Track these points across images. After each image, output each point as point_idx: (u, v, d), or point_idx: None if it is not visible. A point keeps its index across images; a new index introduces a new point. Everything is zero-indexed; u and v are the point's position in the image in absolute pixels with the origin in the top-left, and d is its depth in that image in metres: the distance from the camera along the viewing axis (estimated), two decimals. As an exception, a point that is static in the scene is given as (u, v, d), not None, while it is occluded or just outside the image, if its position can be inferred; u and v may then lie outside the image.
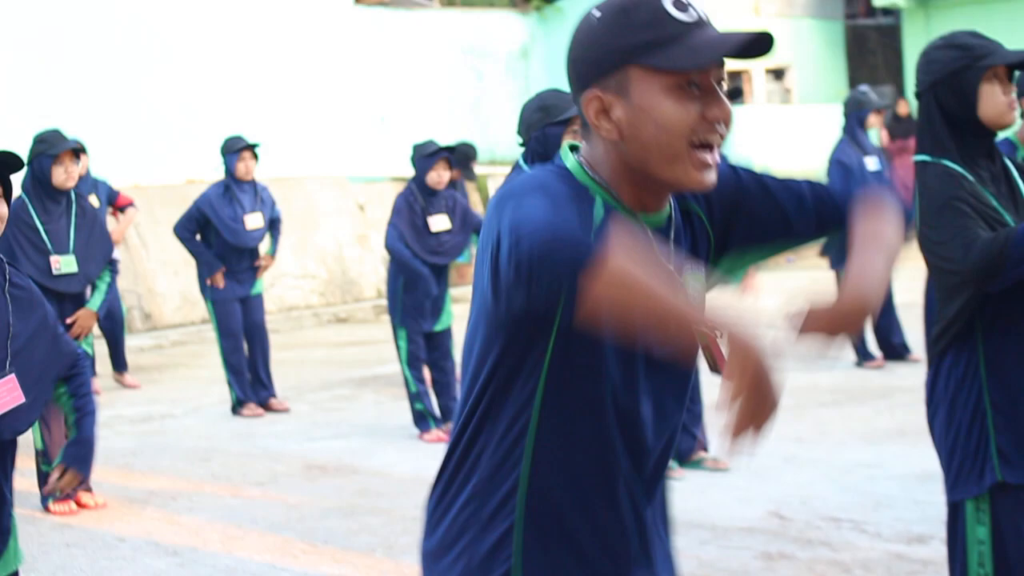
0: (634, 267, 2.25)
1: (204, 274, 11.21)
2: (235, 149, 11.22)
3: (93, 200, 11.87)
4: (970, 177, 4.28)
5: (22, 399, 4.44)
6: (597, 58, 2.54)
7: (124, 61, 17.92)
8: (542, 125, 5.95)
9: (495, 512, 2.63)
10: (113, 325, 12.82)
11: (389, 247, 10.20)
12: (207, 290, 11.22)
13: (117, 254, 8.87)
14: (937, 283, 4.36)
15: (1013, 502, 4.29)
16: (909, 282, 12.66)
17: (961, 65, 4.31)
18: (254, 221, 11.17)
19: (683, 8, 2.51)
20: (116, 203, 12.35)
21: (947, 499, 4.43)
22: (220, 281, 11.10)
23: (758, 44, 2.49)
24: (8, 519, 4.45)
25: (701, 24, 2.52)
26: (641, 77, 2.50)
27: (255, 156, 11.26)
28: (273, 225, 11.40)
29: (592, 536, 2.66)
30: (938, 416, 4.43)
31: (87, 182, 12.00)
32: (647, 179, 2.56)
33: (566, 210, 2.35)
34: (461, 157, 12.79)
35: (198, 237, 11.21)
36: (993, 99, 4.30)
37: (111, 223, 12.25)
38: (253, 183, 11.30)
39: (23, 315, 4.48)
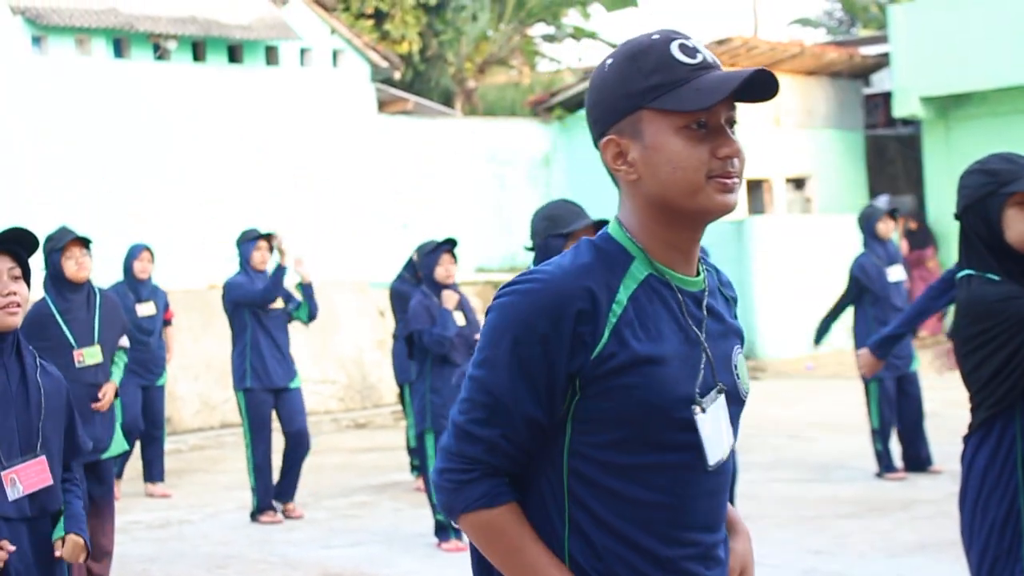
0: (507, 531, 2.62)
1: (240, 367, 11.14)
2: (251, 239, 11.29)
3: (150, 307, 12.00)
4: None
5: (50, 481, 4.51)
6: (610, 104, 2.65)
7: (151, 170, 18.09)
8: (546, 235, 6.02)
9: None
10: (155, 431, 12.78)
11: (427, 343, 10.04)
12: (241, 381, 11.14)
13: (125, 341, 8.87)
14: (974, 366, 4.40)
15: None
16: (931, 391, 12.65)
17: (987, 192, 4.36)
18: (276, 303, 11.18)
19: (690, 53, 2.61)
20: (164, 316, 12.48)
21: None
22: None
23: (761, 83, 2.58)
24: None
25: (707, 67, 2.61)
26: (652, 119, 2.60)
27: (271, 247, 11.30)
28: (302, 292, 11.36)
29: None
30: (971, 514, 4.42)
31: (147, 287, 12.15)
32: (674, 217, 2.63)
33: (520, 368, 2.58)
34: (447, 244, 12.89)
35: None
36: (1018, 225, 4.33)
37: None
38: (266, 273, 11.33)
39: (52, 402, 4.57)
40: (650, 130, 2.60)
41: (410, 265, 11.21)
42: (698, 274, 2.74)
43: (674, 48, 2.60)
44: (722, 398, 2.70)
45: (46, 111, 17.36)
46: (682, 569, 2.64)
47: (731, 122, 2.63)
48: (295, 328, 11.78)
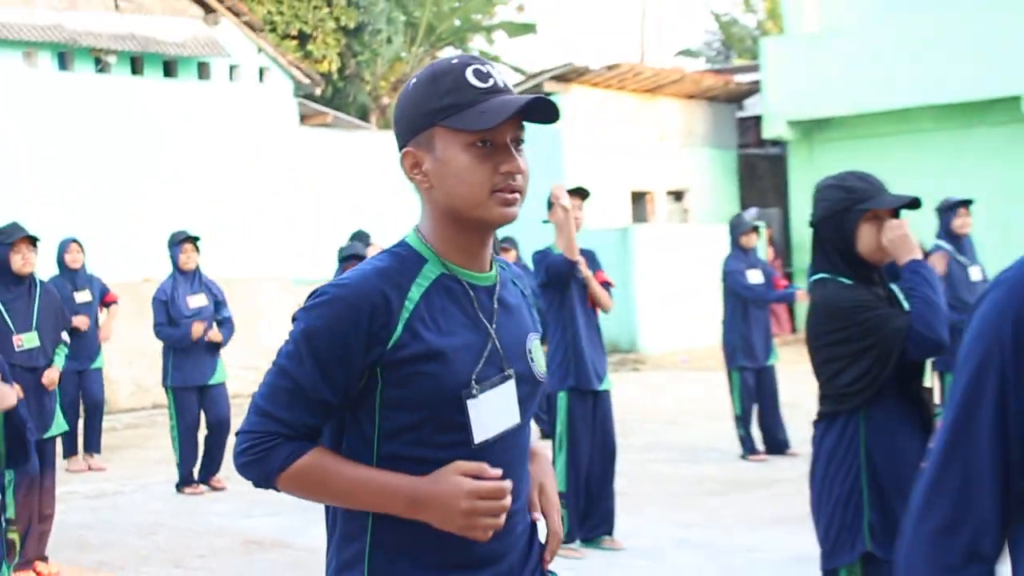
0: (315, 467, 2.63)
1: (168, 364, 11.16)
2: (177, 241, 11.26)
3: (86, 294, 11.91)
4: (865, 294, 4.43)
5: None
6: (410, 119, 2.67)
7: (89, 173, 17.93)
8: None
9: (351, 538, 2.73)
10: (96, 409, 12.72)
11: None
12: (168, 378, 11.16)
13: (65, 336, 8.85)
14: (824, 360, 4.51)
15: (880, 572, 4.37)
16: (790, 383, 12.83)
17: (843, 207, 4.44)
18: (196, 301, 11.15)
19: (482, 77, 2.62)
20: (104, 299, 12.40)
21: (822, 568, 4.50)
22: (199, 329, 11.00)
23: (541, 109, 2.60)
24: None
25: (496, 91, 2.63)
26: (443, 136, 2.62)
27: (196, 248, 11.26)
28: (225, 319, 11.34)
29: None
30: (820, 489, 4.51)
31: (82, 276, 12.06)
32: (461, 223, 2.68)
33: (320, 362, 2.61)
34: (361, 240, 12.85)
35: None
36: (869, 239, 4.43)
37: (101, 316, 12.33)
38: (197, 273, 11.29)
39: None
40: (441, 145, 2.63)
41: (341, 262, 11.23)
42: (490, 270, 2.78)
43: (468, 72, 2.63)
44: (509, 383, 2.72)
45: (-5, 117, 17.17)
46: (468, 543, 2.66)
47: (517, 141, 2.65)
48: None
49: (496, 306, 2.75)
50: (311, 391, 2.62)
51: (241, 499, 10.82)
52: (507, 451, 2.72)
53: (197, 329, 10.98)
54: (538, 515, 2.83)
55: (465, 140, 2.61)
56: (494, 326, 2.73)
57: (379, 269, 2.67)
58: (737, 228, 12.18)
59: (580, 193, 8.51)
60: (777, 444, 11.95)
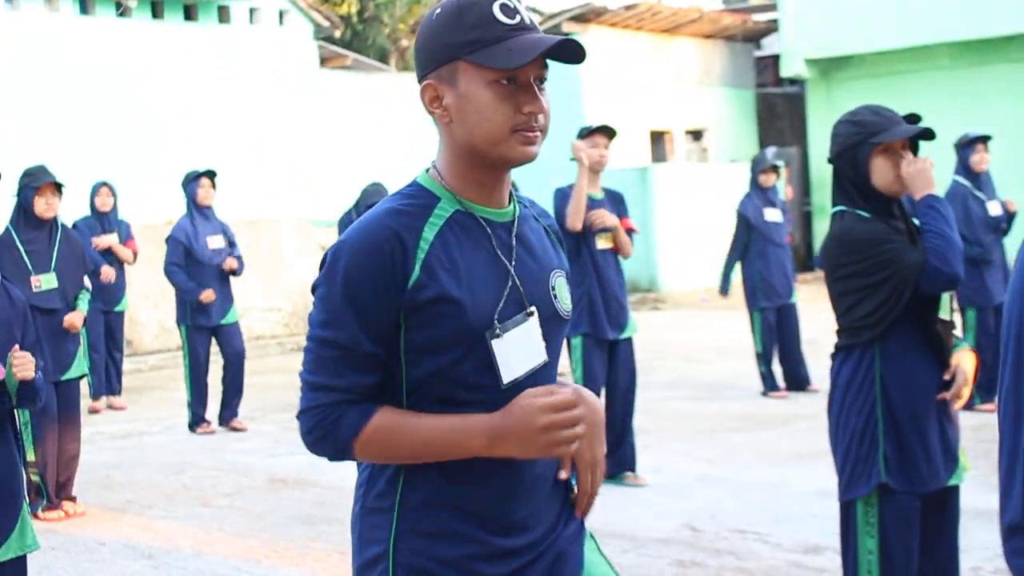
0: (390, 426, 2.57)
1: (184, 307, 11.16)
2: (193, 177, 11.23)
3: (114, 236, 11.88)
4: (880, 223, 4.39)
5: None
6: (432, 51, 2.60)
7: (114, 116, 17.90)
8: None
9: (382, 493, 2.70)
10: (116, 352, 12.73)
11: None
12: (184, 317, 11.16)
13: (87, 282, 8.82)
14: (840, 292, 4.47)
15: (897, 510, 4.35)
16: (811, 320, 12.79)
17: (856, 141, 4.39)
18: (215, 242, 11.14)
19: (510, 13, 2.57)
20: (126, 243, 12.35)
21: (840, 499, 4.48)
22: (210, 295, 11.00)
23: (568, 49, 2.54)
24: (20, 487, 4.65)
25: (523, 28, 2.57)
26: (467, 71, 2.56)
27: (213, 184, 11.23)
28: (232, 246, 11.31)
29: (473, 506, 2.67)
30: (837, 424, 4.49)
31: (112, 219, 12.05)
32: (479, 160, 2.62)
33: (355, 315, 2.56)
34: (378, 193, 12.80)
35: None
36: (883, 171, 4.38)
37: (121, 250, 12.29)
38: (212, 211, 11.26)
39: (3, 314, 4.63)
40: (464, 80, 2.57)
41: (357, 203, 11.19)
42: (508, 205, 2.73)
43: (496, 7, 2.56)
44: (533, 320, 2.66)
45: (17, 63, 17.12)
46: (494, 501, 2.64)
47: (540, 80, 2.60)
48: (246, 261, 11.77)
49: (515, 242, 2.69)
50: (355, 348, 2.57)
51: (265, 438, 10.84)
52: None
53: (208, 295, 10.98)
54: (564, 473, 2.76)
55: (489, 77, 2.55)
56: (513, 263, 2.67)
57: (389, 210, 2.61)
58: (757, 166, 12.11)
59: (607, 132, 8.40)
60: (798, 380, 11.91)
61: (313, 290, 2.65)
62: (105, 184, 12.31)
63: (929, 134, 4.37)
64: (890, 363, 4.37)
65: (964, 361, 4.41)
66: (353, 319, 2.56)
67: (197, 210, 11.17)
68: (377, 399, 2.62)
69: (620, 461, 8.51)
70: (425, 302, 2.55)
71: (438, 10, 2.62)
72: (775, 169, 12.13)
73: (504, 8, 2.57)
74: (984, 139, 10.49)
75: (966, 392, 4.37)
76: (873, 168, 4.39)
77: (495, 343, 2.60)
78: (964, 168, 10.50)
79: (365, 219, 2.61)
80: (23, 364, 4.69)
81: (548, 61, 2.60)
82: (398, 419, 2.58)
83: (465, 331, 2.58)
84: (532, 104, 2.57)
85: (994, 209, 10.48)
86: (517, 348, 2.63)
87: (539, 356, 2.69)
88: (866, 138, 4.39)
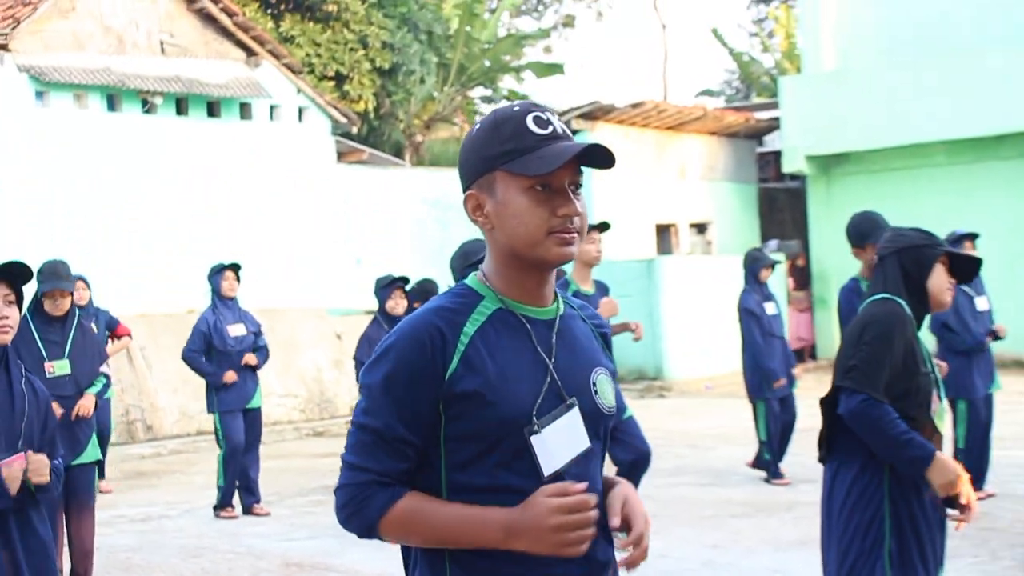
0: (415, 511, 2.61)
1: (213, 394, 11.15)
2: (218, 270, 11.26)
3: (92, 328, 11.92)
4: (915, 321, 4.48)
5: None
6: (473, 163, 2.70)
7: (142, 211, 18.01)
8: (463, 267, 6.38)
9: None
10: (102, 440, 12.74)
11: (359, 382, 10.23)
12: (214, 404, 11.14)
13: (107, 369, 8.79)
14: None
15: None
16: (809, 409, 12.74)
17: (926, 243, 4.55)
18: (236, 330, 11.16)
19: (542, 124, 2.65)
20: (115, 331, 12.45)
21: None
22: (232, 376, 11.00)
23: (599, 155, 2.62)
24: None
25: (556, 137, 2.65)
26: (504, 179, 2.64)
27: (237, 276, 11.27)
28: (262, 347, 11.35)
29: None
30: (840, 516, 4.47)
31: (88, 311, 12.08)
32: (520, 262, 2.68)
33: (394, 404, 2.62)
34: (423, 292, 12.76)
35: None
36: (941, 278, 4.53)
37: (111, 350, 12.34)
38: (236, 302, 11.30)
39: (32, 409, 4.60)
40: (501, 188, 2.65)
41: (412, 290, 11.25)
42: (552, 304, 2.77)
43: (529, 119, 2.65)
44: (573, 412, 2.69)
45: (48, 158, 17.25)
46: (544, 561, 2.62)
47: (575, 185, 2.67)
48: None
49: (555, 339, 2.73)
50: (392, 435, 2.63)
51: (282, 523, 10.80)
52: (579, 480, 2.66)
53: (230, 376, 11.00)
54: (616, 520, 2.73)
55: (524, 184, 2.63)
56: (553, 359, 2.70)
57: (434, 308, 2.69)
58: (758, 263, 12.10)
59: (601, 227, 8.44)
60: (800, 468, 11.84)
61: (358, 380, 2.77)
62: (80, 278, 12.27)
63: (978, 265, 4.73)
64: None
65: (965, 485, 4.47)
66: (391, 408, 2.63)
67: (220, 301, 11.22)
68: (409, 484, 2.67)
69: None
70: (462, 394, 2.60)
71: (477, 126, 2.72)
72: (772, 266, 12.19)
73: (537, 120, 2.65)
74: (972, 236, 10.53)
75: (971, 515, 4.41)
76: (934, 273, 4.53)
77: (534, 439, 2.63)
78: None
79: (413, 315, 2.69)
80: (38, 470, 4.68)
81: (583, 168, 2.67)
82: (423, 504, 2.63)
83: (499, 423, 2.62)
84: (566, 207, 2.64)
85: (982, 304, 10.52)
86: (558, 440, 2.67)
87: (582, 443, 2.71)
88: (936, 245, 4.62)
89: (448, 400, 2.61)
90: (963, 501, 4.33)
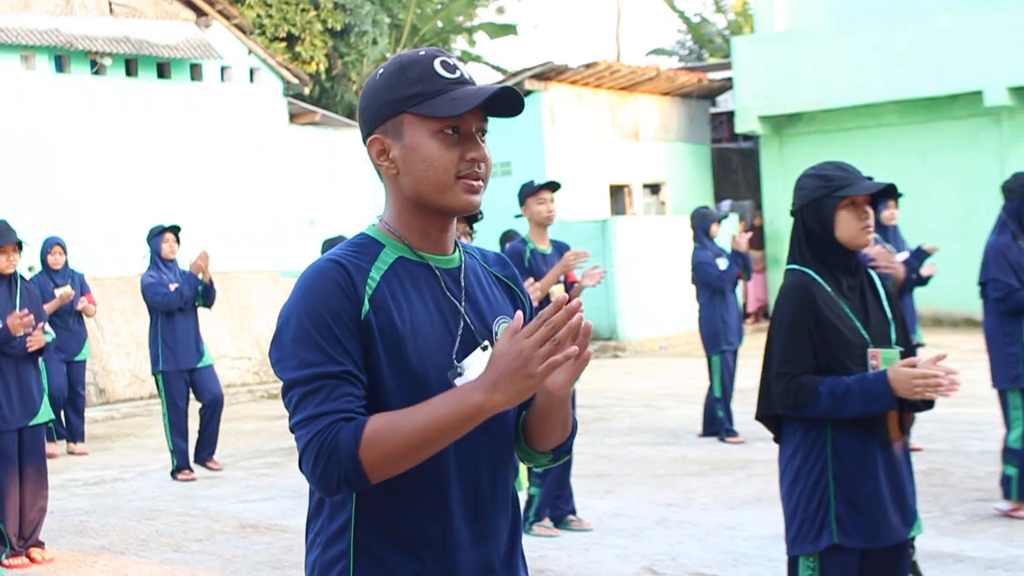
0: (386, 427, 2.49)
1: (157, 353, 11.08)
2: (158, 232, 11.15)
3: (68, 289, 11.86)
4: (827, 287, 4.38)
5: None
6: (378, 107, 2.66)
7: (92, 173, 17.85)
8: None
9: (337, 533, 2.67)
10: (78, 399, 12.83)
11: None
12: (158, 365, 11.09)
13: (50, 329, 8.74)
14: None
15: (838, 562, 4.35)
16: (755, 369, 12.81)
17: (822, 194, 4.41)
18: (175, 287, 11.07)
19: (450, 69, 2.63)
20: (84, 295, 12.42)
21: (787, 552, 4.48)
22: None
23: (507, 100, 2.59)
24: None
25: (463, 81, 2.63)
26: (412, 123, 2.61)
27: (177, 239, 11.18)
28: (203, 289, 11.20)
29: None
30: (785, 478, 4.48)
31: (65, 274, 12.08)
32: (425, 210, 2.66)
33: (321, 339, 2.54)
34: None
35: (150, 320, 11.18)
36: (847, 224, 4.39)
37: (82, 304, 12.34)
38: (176, 263, 11.20)
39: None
40: (409, 132, 2.62)
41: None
42: (453, 253, 2.75)
43: (436, 63, 2.63)
44: (487, 353, 2.62)
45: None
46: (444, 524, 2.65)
47: (481, 131, 2.65)
48: (217, 311, 11.72)
49: (463, 287, 2.72)
50: (335, 370, 2.53)
51: (236, 484, 10.78)
52: (492, 423, 2.64)
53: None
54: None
55: (433, 127, 2.60)
56: (463, 305, 2.70)
57: (336, 254, 2.65)
58: (706, 219, 12.16)
59: (551, 186, 8.40)
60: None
61: (273, 354, 2.62)
62: (58, 243, 12.35)
63: (893, 191, 4.40)
64: (838, 423, 4.37)
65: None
66: (325, 343, 2.54)
67: (162, 262, 11.12)
68: (365, 412, 2.57)
69: (564, 503, 8.51)
70: (380, 337, 2.57)
71: (381, 70, 2.68)
72: (719, 221, 12.30)
73: (444, 64, 2.64)
74: (895, 196, 10.57)
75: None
76: (838, 221, 4.41)
77: (458, 382, 2.60)
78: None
79: (313, 264, 2.65)
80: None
81: (497, 117, 2.66)
82: (392, 416, 2.51)
83: (421, 369, 2.59)
84: (475, 151, 2.62)
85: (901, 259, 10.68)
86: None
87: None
88: (832, 192, 4.40)
89: (366, 343, 2.57)
90: (932, 388, 4.22)
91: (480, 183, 2.64)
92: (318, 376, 2.54)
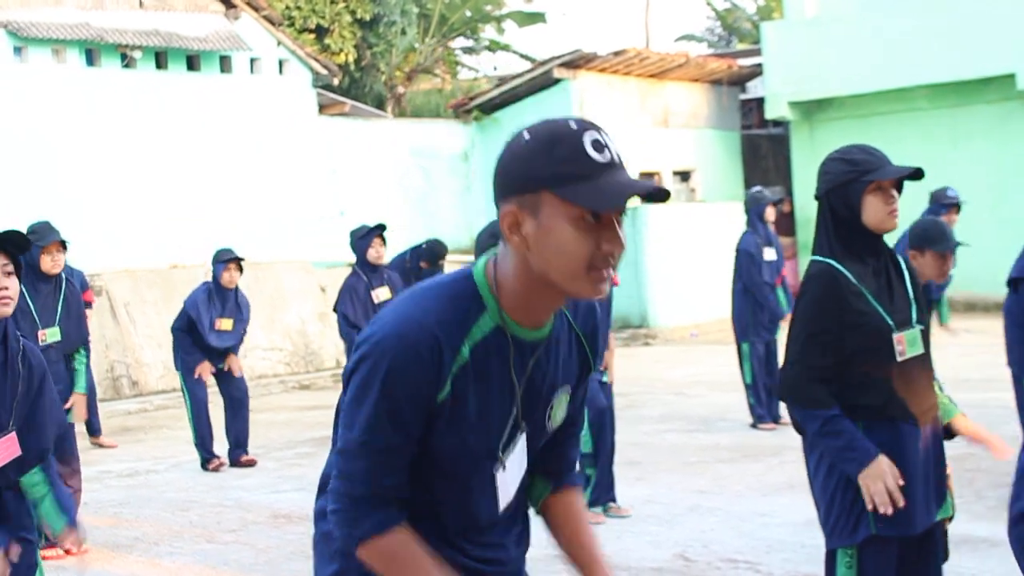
0: (400, 552, 2.56)
1: (180, 360, 11.14)
2: (223, 260, 11.12)
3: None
4: (849, 275, 4.34)
5: (18, 452, 4.41)
6: (518, 177, 2.47)
7: (123, 166, 17.92)
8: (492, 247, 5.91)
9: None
10: (90, 396, 12.83)
11: (343, 336, 10.33)
12: (180, 363, 11.16)
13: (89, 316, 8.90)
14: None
15: (876, 551, 4.33)
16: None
17: (849, 179, 4.36)
18: (224, 324, 11.09)
19: (600, 149, 2.44)
20: (84, 294, 12.40)
21: (826, 546, 4.47)
22: (206, 373, 11.02)
23: (656, 196, 2.46)
24: (35, 555, 4.49)
25: (613, 167, 2.45)
26: (552, 203, 2.43)
27: (240, 268, 11.15)
28: (243, 330, 11.32)
29: None
30: (819, 473, 4.45)
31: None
32: (547, 290, 2.54)
33: (392, 418, 2.52)
34: (431, 253, 12.63)
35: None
36: (875, 208, 4.34)
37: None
38: (235, 291, 11.20)
39: (30, 382, 4.46)
40: (547, 211, 2.44)
41: (416, 251, 11.13)
42: (545, 326, 2.65)
43: (587, 142, 2.43)
44: (523, 437, 2.69)
45: (26, 114, 17.15)
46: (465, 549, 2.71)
47: (620, 217, 2.50)
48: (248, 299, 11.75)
49: (532, 363, 2.65)
50: (393, 445, 2.56)
51: (269, 475, 10.81)
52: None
53: (203, 369, 11.05)
54: None
55: (574, 212, 2.43)
56: (522, 385, 2.65)
57: (435, 315, 2.53)
58: (760, 203, 12.04)
59: None
60: (774, 415, 11.87)
61: (345, 379, 2.59)
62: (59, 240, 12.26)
63: (919, 174, 4.36)
64: (868, 412, 4.35)
65: (968, 426, 4.43)
66: (392, 426, 2.53)
67: (217, 288, 11.14)
68: (402, 499, 2.62)
69: (605, 491, 8.52)
70: (444, 416, 2.56)
71: (527, 137, 2.50)
72: (776, 204, 12.12)
73: (596, 144, 2.44)
74: (956, 207, 10.44)
75: (1002, 445, 4.37)
76: (865, 206, 4.36)
77: (499, 475, 2.67)
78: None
79: (412, 316, 2.53)
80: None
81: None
82: (408, 550, 2.59)
83: (471, 458, 2.64)
84: (613, 243, 2.47)
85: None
86: (512, 469, 2.71)
87: (524, 466, 2.76)
88: (859, 176, 4.35)
89: (432, 417, 2.56)
90: (877, 501, 4.28)
91: (611, 273, 2.50)
92: (379, 450, 2.55)
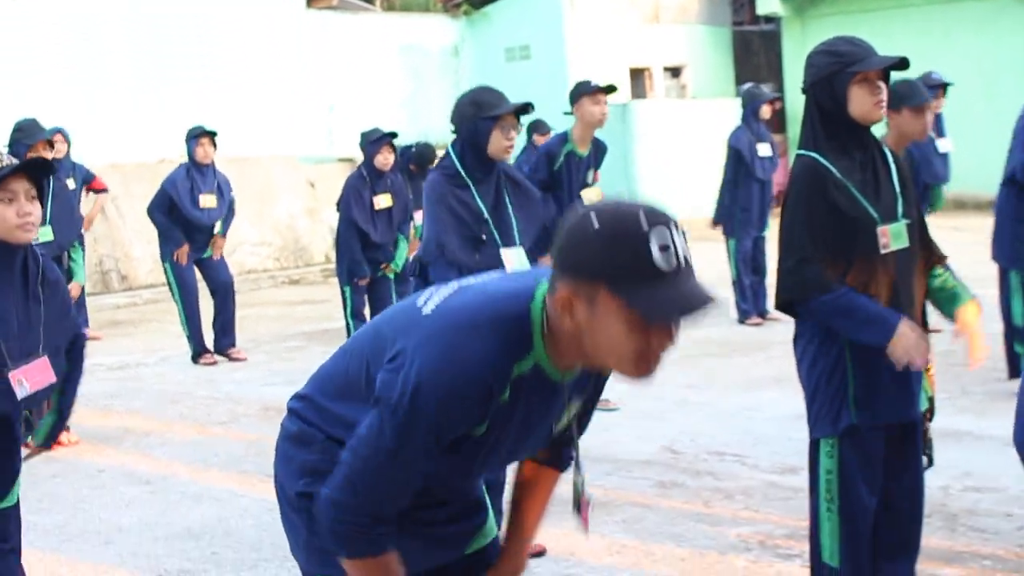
0: (382, 572, 2.63)
1: (166, 247, 11.16)
2: (194, 135, 11.13)
3: (70, 182, 11.76)
4: (834, 169, 4.31)
5: (53, 379, 4.38)
6: (580, 263, 2.39)
7: (104, 56, 17.76)
8: (475, 119, 5.70)
9: None
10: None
11: (340, 243, 10.40)
12: (167, 256, 11.16)
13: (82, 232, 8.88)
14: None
15: (857, 442, 4.35)
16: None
17: (834, 70, 4.32)
18: (207, 201, 11.09)
19: (666, 255, 2.35)
20: (91, 184, 12.34)
21: (809, 435, 4.50)
22: (183, 258, 11.05)
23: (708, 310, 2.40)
24: (19, 463, 4.48)
25: (677, 274, 2.36)
26: (608, 299, 2.36)
27: (213, 143, 11.15)
28: (228, 208, 11.33)
29: None
30: (803, 362, 4.47)
31: (66, 165, 11.87)
32: (594, 358, 2.51)
33: (423, 449, 2.55)
34: (420, 157, 12.59)
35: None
36: (861, 100, 4.30)
37: (86, 203, 12.26)
38: (212, 167, 11.20)
39: (51, 300, 4.42)
40: (603, 305, 2.37)
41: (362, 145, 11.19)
42: (575, 370, 2.65)
43: (654, 245, 2.33)
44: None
45: (13, 7, 16.94)
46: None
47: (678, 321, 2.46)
48: (236, 197, 11.72)
49: (553, 394, 2.67)
50: (413, 478, 2.60)
51: (259, 369, 10.85)
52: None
53: (182, 255, 11.06)
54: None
55: (629, 315, 2.37)
56: (543, 418, 2.70)
57: (495, 354, 2.49)
58: (757, 99, 11.97)
59: (607, 89, 8.20)
60: (760, 311, 11.92)
61: (383, 400, 2.54)
62: (59, 131, 12.09)
63: (904, 64, 4.33)
64: None
65: (970, 316, 4.42)
66: (423, 456, 2.56)
67: (195, 167, 11.11)
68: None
69: None
70: (471, 441, 2.59)
71: (596, 225, 2.40)
72: (773, 102, 12.06)
73: (663, 247, 2.35)
74: (944, 87, 10.44)
75: (980, 354, 4.35)
76: (851, 97, 4.33)
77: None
78: None
79: (468, 360, 2.49)
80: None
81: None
82: (391, 569, 2.65)
83: (472, 465, 2.70)
84: (664, 344, 2.44)
85: (943, 146, 10.59)
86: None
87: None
88: (844, 67, 4.31)
89: (455, 444, 2.59)
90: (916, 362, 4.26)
91: (659, 359, 2.46)
92: (404, 481, 2.59)
